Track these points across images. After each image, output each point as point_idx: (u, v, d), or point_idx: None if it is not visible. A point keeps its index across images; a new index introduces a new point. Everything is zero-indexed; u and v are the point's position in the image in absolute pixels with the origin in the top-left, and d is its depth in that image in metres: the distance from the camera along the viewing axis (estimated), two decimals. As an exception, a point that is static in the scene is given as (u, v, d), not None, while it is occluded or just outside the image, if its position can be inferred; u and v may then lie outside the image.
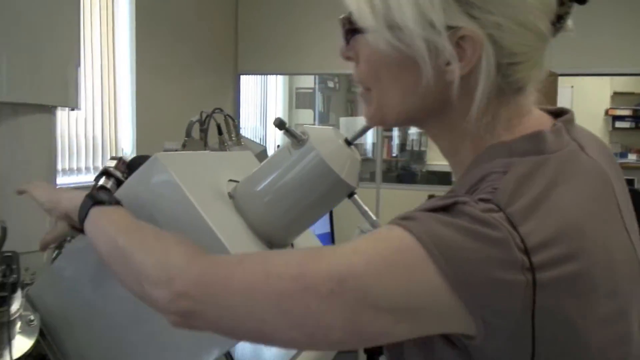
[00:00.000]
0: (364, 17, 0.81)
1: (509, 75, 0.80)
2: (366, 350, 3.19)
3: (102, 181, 1.61)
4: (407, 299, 0.69)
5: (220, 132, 1.96)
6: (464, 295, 0.68)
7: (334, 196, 1.09)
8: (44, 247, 1.08)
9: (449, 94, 0.80)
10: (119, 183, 1.62)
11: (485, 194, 0.73)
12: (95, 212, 0.96)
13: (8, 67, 1.15)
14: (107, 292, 1.07)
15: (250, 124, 7.20)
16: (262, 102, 7.64)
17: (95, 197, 0.98)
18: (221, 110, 1.97)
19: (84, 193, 1.01)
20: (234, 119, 1.99)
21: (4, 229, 1.01)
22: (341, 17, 0.86)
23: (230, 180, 1.13)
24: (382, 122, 0.88)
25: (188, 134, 1.91)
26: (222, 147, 1.89)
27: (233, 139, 1.91)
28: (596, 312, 0.73)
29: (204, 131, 1.89)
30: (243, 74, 6.61)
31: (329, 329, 0.71)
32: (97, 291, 1.08)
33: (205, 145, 1.80)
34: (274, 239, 1.11)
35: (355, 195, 1.11)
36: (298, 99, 8.36)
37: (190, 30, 5.55)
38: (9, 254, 0.86)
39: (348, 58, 0.87)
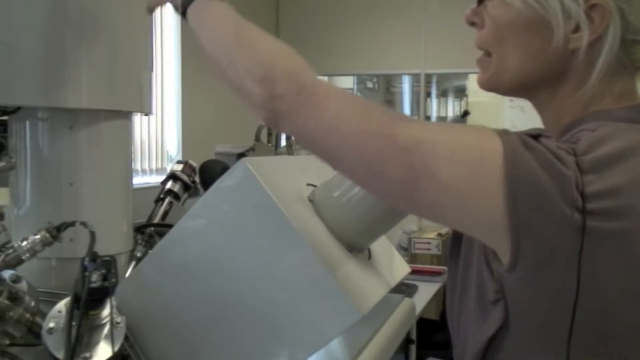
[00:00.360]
0: None
1: (631, 53, 0.82)
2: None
3: (169, 184, 1.65)
4: (464, 184, 0.72)
5: (288, 136, 1.97)
6: (514, 214, 0.70)
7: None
8: (151, 10, 1.08)
9: (569, 63, 0.82)
10: (185, 186, 1.65)
11: (567, 144, 0.76)
12: (202, 2, 0.96)
13: (87, 74, 1.17)
14: (190, 293, 1.09)
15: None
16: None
17: None
18: None
19: None
20: None
21: (93, 233, 1.03)
22: None
23: (309, 184, 1.14)
24: (496, 87, 0.89)
25: (257, 137, 1.93)
26: (290, 150, 1.91)
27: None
28: (633, 285, 0.73)
29: (271, 134, 1.91)
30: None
31: (388, 179, 0.75)
32: (180, 293, 1.09)
33: (275, 149, 1.81)
34: (352, 242, 1.11)
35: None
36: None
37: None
38: (108, 258, 0.87)
39: (472, 24, 0.89)
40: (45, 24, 1.12)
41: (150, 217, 1.56)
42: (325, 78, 7.86)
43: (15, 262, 1.08)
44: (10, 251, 1.08)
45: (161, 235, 1.54)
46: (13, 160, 1.14)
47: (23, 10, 1.11)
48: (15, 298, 1.10)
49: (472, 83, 7.78)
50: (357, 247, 1.13)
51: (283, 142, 2.03)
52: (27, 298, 1.11)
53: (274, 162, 1.12)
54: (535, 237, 0.71)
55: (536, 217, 0.70)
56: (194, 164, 1.67)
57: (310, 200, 1.11)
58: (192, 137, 4.86)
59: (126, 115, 1.27)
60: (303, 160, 1.20)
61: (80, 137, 1.19)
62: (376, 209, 1.09)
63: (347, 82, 8.14)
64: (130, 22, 1.26)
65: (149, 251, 1.48)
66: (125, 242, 1.30)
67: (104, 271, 0.87)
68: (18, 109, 1.17)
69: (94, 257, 0.86)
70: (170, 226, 1.50)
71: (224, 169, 1.77)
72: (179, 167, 1.65)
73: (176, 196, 1.62)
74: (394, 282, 1.18)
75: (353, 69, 6.64)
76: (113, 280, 0.88)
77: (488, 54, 0.88)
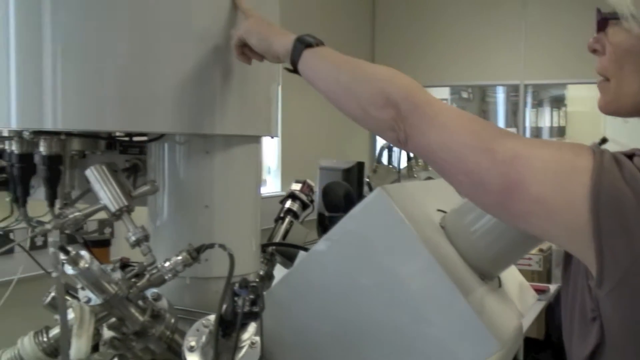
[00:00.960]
0: (623, 2, 0.85)
1: None
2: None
3: (288, 204, 1.69)
4: (553, 196, 0.77)
5: (409, 158, 1.99)
6: (597, 227, 0.74)
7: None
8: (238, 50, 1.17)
9: None
10: (304, 205, 1.69)
11: None
12: (308, 54, 1.06)
13: (221, 100, 1.21)
14: (321, 315, 1.11)
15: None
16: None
17: (305, 40, 1.07)
18: None
19: (291, 36, 1.09)
20: None
21: (232, 257, 1.07)
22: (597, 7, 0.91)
23: (439, 210, 1.15)
24: (615, 111, 0.91)
25: (379, 159, 1.95)
26: (410, 172, 1.92)
27: (420, 164, 1.93)
28: None
29: (391, 156, 1.93)
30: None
31: (487, 189, 0.83)
32: (312, 314, 1.12)
33: (398, 172, 1.83)
34: (484, 270, 1.11)
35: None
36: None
37: (329, 41, 5.65)
38: (255, 284, 0.91)
39: (594, 51, 0.91)
40: (185, 53, 1.17)
41: (272, 235, 1.60)
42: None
43: (159, 282, 1.13)
44: (154, 271, 1.13)
45: (282, 253, 1.58)
46: (156, 184, 1.19)
47: (164, 41, 1.16)
48: (157, 316, 1.15)
49: (571, 92, 7.57)
50: (488, 274, 1.12)
51: (403, 163, 2.04)
52: (167, 316, 1.16)
53: (407, 188, 1.14)
54: (617, 250, 0.74)
55: (618, 231, 0.73)
56: (312, 183, 1.70)
57: (442, 227, 1.12)
58: (291, 150, 4.95)
59: (257, 139, 1.32)
60: (432, 185, 1.21)
61: (215, 161, 1.24)
62: (507, 237, 1.09)
63: (442, 92, 8.07)
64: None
65: (271, 271, 1.53)
66: (254, 262, 1.34)
67: (252, 296, 0.91)
68: (161, 136, 1.23)
69: (245, 283, 0.90)
70: (291, 245, 1.54)
71: (348, 192, 1.81)
72: (298, 186, 1.69)
73: (295, 215, 1.65)
74: (525, 310, 1.17)
75: (449, 80, 6.58)
76: (261, 305, 0.91)
77: (607, 79, 0.90)
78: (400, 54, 6.39)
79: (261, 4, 1.29)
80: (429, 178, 1.88)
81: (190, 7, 1.18)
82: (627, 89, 0.88)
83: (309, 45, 1.06)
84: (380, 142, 6.81)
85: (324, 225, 2.02)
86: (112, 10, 1.13)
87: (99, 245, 1.79)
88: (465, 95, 8.23)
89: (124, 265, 1.40)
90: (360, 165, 2.54)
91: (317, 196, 2.54)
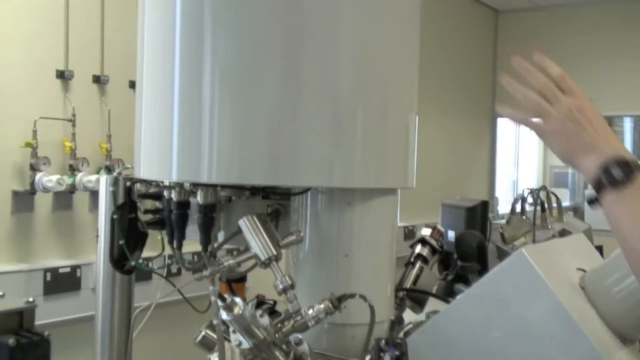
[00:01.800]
0: None
1: None
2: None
3: (418, 249, 1.73)
4: None
5: (543, 209, 1.99)
6: None
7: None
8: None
9: None
10: (434, 250, 1.72)
11: None
12: (612, 199, 0.93)
13: (362, 155, 1.28)
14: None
15: (503, 167, 7.10)
16: (516, 142, 7.50)
17: (610, 176, 0.93)
18: (545, 187, 2.00)
19: (598, 158, 0.96)
20: (557, 195, 2.01)
21: (373, 309, 1.13)
22: None
23: (578, 269, 1.16)
24: None
25: (512, 211, 1.97)
26: (544, 223, 1.92)
27: (554, 215, 1.93)
28: None
29: (524, 207, 1.93)
30: (500, 117, 6.56)
31: None
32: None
33: (533, 225, 1.84)
34: (625, 332, 1.11)
35: None
36: (554, 140, 8.05)
37: (448, 73, 5.65)
38: (399, 340, 0.96)
39: None
40: (330, 111, 1.25)
41: (402, 280, 1.65)
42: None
43: (303, 328, 1.21)
44: (299, 318, 1.21)
45: (411, 298, 1.62)
46: (302, 234, 1.28)
47: (311, 100, 1.24)
48: (298, 359, 1.23)
49: None
50: (629, 337, 1.12)
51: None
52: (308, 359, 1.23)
53: (546, 248, 1.16)
54: None
55: None
56: (442, 229, 1.73)
57: (582, 287, 1.13)
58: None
59: (394, 191, 1.37)
60: (571, 242, 1.22)
61: (355, 212, 1.31)
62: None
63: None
64: (398, 102, 1.35)
65: (401, 315, 1.57)
66: (389, 309, 1.39)
67: (397, 353, 0.96)
68: (306, 189, 1.31)
69: (392, 341, 0.95)
70: (425, 293, 1.58)
71: (481, 242, 1.83)
72: (428, 231, 1.72)
73: (425, 260, 1.69)
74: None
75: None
76: (405, 361, 0.96)
77: None
78: (523, 84, 6.28)
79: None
80: (564, 230, 1.87)
81: (332, 68, 1.25)
82: None
83: (614, 182, 0.93)
84: (501, 181, 6.72)
85: (445, 264, 2.04)
86: (261, 73, 1.23)
87: (237, 280, 1.89)
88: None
89: (260, 302, 1.50)
90: (484, 205, 2.53)
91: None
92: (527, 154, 7.66)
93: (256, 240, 1.23)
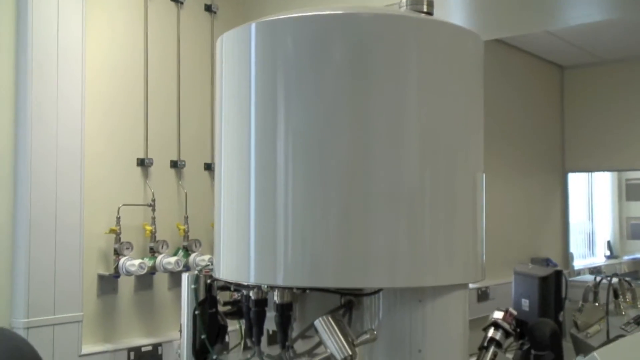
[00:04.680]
0: None
1: None
2: None
3: (491, 332, 1.74)
4: None
5: (616, 296, 1.99)
6: None
7: None
8: None
9: None
10: (507, 334, 1.74)
11: None
12: None
13: (431, 253, 1.33)
14: None
15: (577, 220, 6.96)
16: (589, 195, 7.37)
17: None
18: (616, 274, 2.00)
19: None
20: (630, 282, 2.01)
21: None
22: None
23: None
24: None
25: (585, 298, 1.97)
26: (618, 309, 1.92)
27: (628, 301, 1.93)
28: None
29: (597, 295, 1.94)
30: (571, 172, 6.48)
31: None
32: None
33: (606, 313, 1.85)
34: None
35: None
36: (629, 191, 7.88)
37: (518, 130, 5.65)
38: None
39: None
40: (398, 211, 1.30)
41: (475, 365, 1.66)
42: (616, 174, 7.50)
43: None
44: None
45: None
46: (375, 332, 1.33)
47: (377, 201, 1.30)
48: None
49: None
50: None
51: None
52: None
53: (620, 347, 1.17)
54: None
55: None
56: (514, 312, 1.75)
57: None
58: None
59: (465, 285, 1.42)
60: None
61: (427, 309, 1.36)
62: None
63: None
64: (469, 185, 1.41)
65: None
66: (464, 400, 1.43)
67: None
68: (377, 290, 1.38)
69: None
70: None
71: (553, 331, 1.84)
72: (500, 314, 1.74)
73: (498, 344, 1.70)
74: None
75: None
76: None
77: None
78: (592, 138, 6.21)
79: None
80: (638, 316, 1.86)
81: (397, 171, 1.31)
82: None
83: None
84: (574, 234, 6.58)
85: (523, 335, 2.04)
86: (330, 181, 1.30)
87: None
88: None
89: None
90: (557, 274, 2.52)
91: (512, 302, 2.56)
92: (601, 206, 7.50)
93: (332, 340, 1.29)
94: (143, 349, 3.00)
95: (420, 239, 1.32)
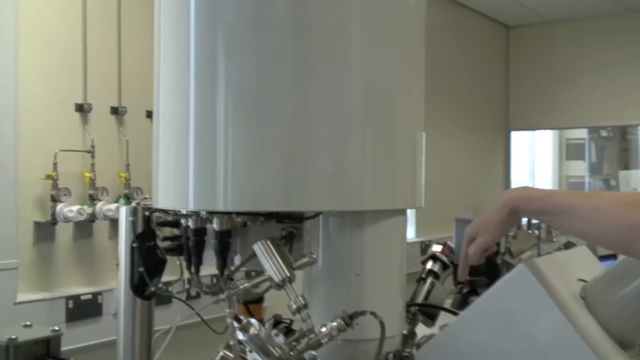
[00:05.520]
0: None
1: None
2: None
3: (429, 265, 1.77)
4: None
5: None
6: None
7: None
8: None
9: None
10: (444, 266, 1.77)
11: None
12: None
13: (371, 178, 1.33)
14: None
15: (519, 179, 7.13)
16: (532, 156, 7.54)
17: None
18: None
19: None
20: None
21: (383, 325, 1.18)
22: None
23: (579, 280, 1.20)
24: None
25: (519, 226, 2.01)
26: (549, 236, 1.97)
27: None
28: None
29: (530, 221, 1.98)
30: (514, 130, 6.61)
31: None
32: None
33: (538, 239, 1.89)
34: (623, 338, 1.15)
35: None
36: (569, 151, 8.09)
37: (463, 89, 5.72)
38: (407, 354, 1.01)
39: None
40: (340, 135, 1.30)
41: (414, 295, 1.69)
42: (557, 131, 7.68)
43: (316, 346, 1.26)
44: (312, 336, 1.26)
45: (424, 313, 1.66)
46: (314, 256, 1.33)
47: (322, 126, 1.30)
48: (313, 375, 1.28)
49: None
50: (628, 343, 1.16)
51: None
52: (322, 375, 1.28)
53: (548, 260, 1.20)
54: None
55: None
56: (452, 245, 1.78)
57: (582, 297, 1.17)
58: (426, 197, 5.01)
59: (403, 211, 1.43)
60: (573, 254, 1.27)
61: (366, 233, 1.36)
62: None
63: (580, 131, 7.87)
64: (408, 114, 1.42)
65: (413, 330, 1.62)
66: (400, 324, 1.44)
67: (405, 366, 1.01)
68: (318, 213, 1.37)
69: (399, 355, 1.01)
70: (436, 307, 1.63)
71: (488, 256, 1.87)
72: (439, 248, 1.77)
73: (436, 275, 1.73)
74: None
75: (586, 121, 6.43)
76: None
77: None
78: (536, 97, 6.34)
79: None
80: (569, 242, 1.91)
81: (341, 95, 1.31)
82: None
83: None
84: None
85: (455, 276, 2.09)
86: (273, 102, 1.29)
87: (254, 302, 1.95)
88: (604, 133, 7.97)
89: (277, 322, 1.55)
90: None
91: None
92: (542, 165, 7.68)
93: (270, 263, 1.29)
94: (82, 297, 2.96)
95: (361, 164, 1.33)
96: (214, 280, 1.91)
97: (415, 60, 1.45)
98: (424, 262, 1.78)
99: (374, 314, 1.23)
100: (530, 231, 2.00)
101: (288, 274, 1.27)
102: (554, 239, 1.95)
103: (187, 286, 1.70)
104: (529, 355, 1.12)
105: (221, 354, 1.32)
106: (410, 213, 5.16)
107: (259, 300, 2.00)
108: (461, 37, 5.68)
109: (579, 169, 7.96)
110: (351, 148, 1.31)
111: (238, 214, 1.40)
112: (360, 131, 1.32)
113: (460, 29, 5.67)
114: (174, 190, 1.40)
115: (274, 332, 1.24)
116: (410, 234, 5.13)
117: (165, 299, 1.96)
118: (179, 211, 1.48)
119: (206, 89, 1.33)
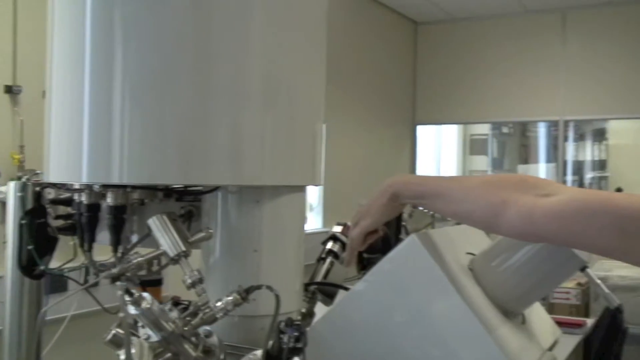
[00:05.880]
0: None
1: None
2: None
3: (329, 245, 1.79)
4: None
5: None
6: None
7: (567, 271, 1.17)
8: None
9: None
10: (344, 246, 1.79)
11: None
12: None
13: (270, 154, 1.33)
14: (359, 350, 1.21)
15: (424, 172, 7.31)
16: (437, 150, 7.75)
17: None
18: None
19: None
20: None
21: (278, 297, 1.18)
22: None
23: (468, 253, 1.24)
24: None
25: (415, 205, 2.05)
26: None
27: None
28: None
29: None
30: (420, 124, 6.77)
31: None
32: (351, 350, 1.22)
33: (432, 216, 1.94)
34: (509, 307, 1.21)
35: (588, 269, 1.18)
36: (473, 146, 8.37)
37: (371, 82, 5.80)
38: (298, 322, 1.02)
39: None
40: (239, 109, 1.29)
41: (313, 275, 1.70)
42: (462, 126, 7.92)
43: (211, 320, 1.25)
44: (207, 310, 1.25)
45: (323, 292, 1.68)
46: (211, 231, 1.32)
47: (220, 100, 1.28)
48: (208, 351, 1.27)
49: (612, 125, 7.57)
50: (512, 312, 1.21)
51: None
52: (217, 351, 1.27)
53: (438, 234, 1.24)
54: None
55: None
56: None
57: (470, 269, 1.22)
58: (332, 187, 5.07)
59: (302, 188, 1.43)
60: (463, 229, 1.30)
61: (264, 210, 1.36)
62: (531, 277, 1.18)
63: (483, 127, 8.16)
64: (308, 93, 1.42)
65: (312, 309, 1.63)
66: (297, 301, 1.45)
67: (296, 334, 1.02)
68: (216, 187, 1.36)
69: (290, 322, 1.01)
70: (333, 285, 1.65)
71: (385, 235, 1.91)
72: (339, 228, 1.78)
73: (336, 255, 1.75)
74: (547, 344, 1.25)
75: (491, 116, 6.68)
76: (304, 342, 1.02)
77: None
78: (442, 92, 6.51)
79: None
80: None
81: (241, 72, 1.30)
82: None
83: None
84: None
85: (362, 264, 2.12)
86: (172, 75, 1.26)
87: (153, 284, 1.91)
88: (505, 130, 8.29)
89: (176, 303, 1.53)
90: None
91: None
92: (447, 159, 7.91)
93: (165, 237, 1.27)
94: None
95: (259, 140, 1.32)
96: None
97: (316, 49, 1.45)
98: (324, 243, 1.79)
99: (270, 287, 1.23)
100: (425, 210, 2.05)
101: (184, 248, 1.26)
102: (448, 218, 2.00)
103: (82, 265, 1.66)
104: (419, 324, 1.15)
105: (113, 331, 1.29)
106: (318, 204, 5.21)
107: (158, 283, 1.97)
108: (370, 31, 5.76)
109: (482, 163, 8.23)
110: (249, 124, 1.30)
111: (134, 187, 1.37)
112: (259, 108, 1.32)
113: (369, 23, 5.75)
114: (66, 162, 1.35)
115: (167, 306, 1.21)
116: (317, 224, 5.18)
117: (60, 286, 1.90)
118: (72, 185, 1.43)
119: (101, 60, 1.29)
